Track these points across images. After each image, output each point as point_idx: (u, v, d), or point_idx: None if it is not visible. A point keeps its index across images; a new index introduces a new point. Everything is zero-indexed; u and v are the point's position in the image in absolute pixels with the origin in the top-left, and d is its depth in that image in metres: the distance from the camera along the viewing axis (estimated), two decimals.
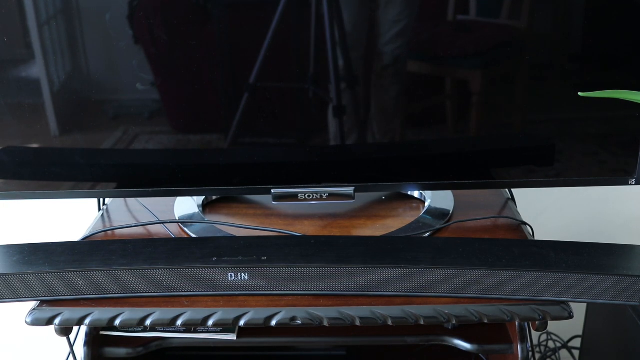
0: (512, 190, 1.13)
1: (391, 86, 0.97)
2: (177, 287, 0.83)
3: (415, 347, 1.10)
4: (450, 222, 1.03)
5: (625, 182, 0.99)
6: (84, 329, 0.93)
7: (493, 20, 0.95)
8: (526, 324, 0.89)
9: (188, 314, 0.81)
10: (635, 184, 0.99)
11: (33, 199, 1.03)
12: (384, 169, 1.03)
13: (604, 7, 0.92)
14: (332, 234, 1.01)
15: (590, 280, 0.79)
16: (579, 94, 0.76)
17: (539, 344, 1.53)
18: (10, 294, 0.84)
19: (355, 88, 0.98)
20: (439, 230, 1.01)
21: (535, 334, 1.51)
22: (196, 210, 1.08)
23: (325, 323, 0.80)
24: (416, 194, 1.13)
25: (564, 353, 1.52)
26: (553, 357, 1.51)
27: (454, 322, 0.81)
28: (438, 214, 1.05)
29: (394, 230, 1.00)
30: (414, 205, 1.11)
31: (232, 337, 0.93)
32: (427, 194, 1.11)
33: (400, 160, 1.02)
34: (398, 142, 1.01)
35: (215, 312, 0.81)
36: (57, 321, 0.82)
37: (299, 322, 0.80)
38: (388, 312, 0.80)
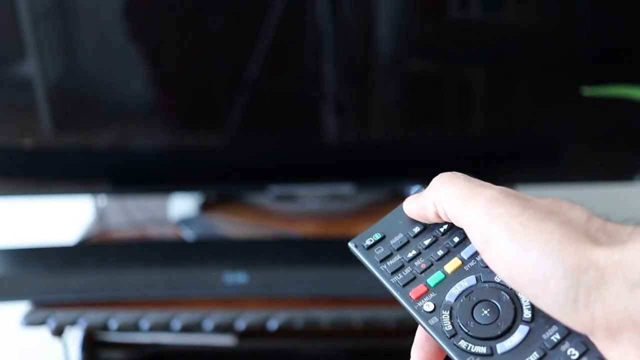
0: (516, 189, 1.12)
1: (391, 84, 0.97)
2: (174, 289, 0.82)
3: None
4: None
5: (631, 180, 0.98)
6: (80, 334, 0.91)
7: (495, 17, 0.94)
8: None
9: (184, 316, 0.80)
10: None
11: (28, 197, 1.02)
12: (385, 168, 1.01)
13: (609, 3, 0.91)
14: (331, 234, 0.99)
15: None
16: (584, 91, 0.75)
17: None
18: (4, 296, 0.83)
19: (355, 86, 0.97)
20: None
21: None
22: (194, 211, 1.07)
23: (325, 326, 0.79)
24: None
25: None
26: None
27: None
28: None
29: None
30: None
31: (230, 340, 0.92)
32: None
33: (400, 159, 1.01)
34: (398, 141, 1.00)
35: (213, 315, 0.80)
36: (51, 323, 0.81)
37: (298, 325, 0.79)
38: (389, 314, 0.79)
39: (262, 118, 0.98)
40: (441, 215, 0.31)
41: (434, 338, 0.29)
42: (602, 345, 0.26)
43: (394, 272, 0.32)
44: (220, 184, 1.01)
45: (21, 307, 0.84)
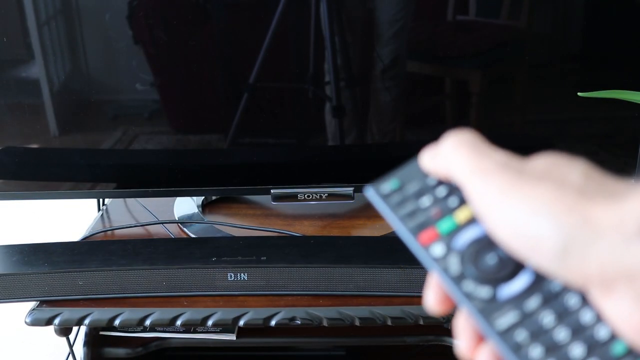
0: None
1: (390, 86, 0.97)
2: (176, 287, 0.83)
3: (414, 347, 1.10)
4: None
5: None
6: (83, 329, 0.92)
7: (492, 20, 0.95)
8: None
9: (187, 314, 0.81)
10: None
11: (33, 199, 1.03)
12: (383, 169, 1.02)
13: (603, 7, 0.92)
14: (331, 234, 1.00)
15: None
16: (579, 94, 0.76)
17: None
18: (10, 294, 0.84)
19: (354, 88, 0.98)
20: None
21: None
22: (196, 210, 1.08)
23: (325, 323, 0.80)
24: None
25: None
26: None
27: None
28: None
29: (393, 230, 1.00)
30: None
31: (232, 337, 0.93)
32: None
33: (399, 161, 1.01)
34: (397, 142, 1.01)
35: (215, 312, 0.81)
36: (56, 321, 0.82)
37: (299, 322, 0.80)
38: (387, 312, 0.80)
39: (263, 120, 0.99)
40: (450, 181, 0.32)
41: (442, 281, 0.31)
42: (596, 298, 0.26)
43: (407, 218, 0.33)
44: (221, 186, 1.02)
45: (26, 305, 0.85)
